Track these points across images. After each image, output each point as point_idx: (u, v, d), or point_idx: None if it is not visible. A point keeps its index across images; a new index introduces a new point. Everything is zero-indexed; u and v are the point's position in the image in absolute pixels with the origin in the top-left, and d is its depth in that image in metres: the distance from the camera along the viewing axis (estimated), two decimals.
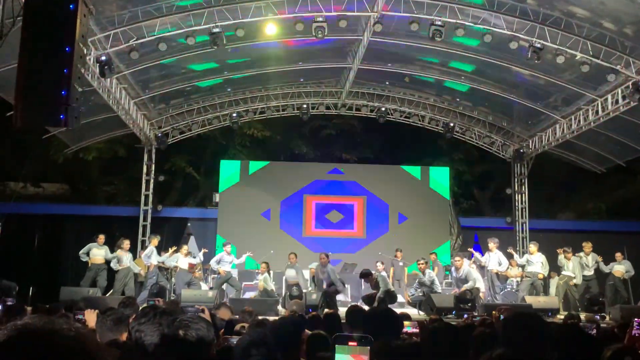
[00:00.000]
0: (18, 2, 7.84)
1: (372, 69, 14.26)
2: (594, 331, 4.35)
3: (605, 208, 21.39)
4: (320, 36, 10.95)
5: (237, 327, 4.55)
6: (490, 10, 10.71)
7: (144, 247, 14.28)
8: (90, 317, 4.21)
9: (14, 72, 7.34)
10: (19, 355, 1.11)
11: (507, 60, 12.40)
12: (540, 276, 12.80)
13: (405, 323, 4.25)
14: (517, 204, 16.80)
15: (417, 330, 4.48)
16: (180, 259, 12.82)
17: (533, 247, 13.05)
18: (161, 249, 13.61)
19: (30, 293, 13.37)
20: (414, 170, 17.55)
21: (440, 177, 17.34)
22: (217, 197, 16.90)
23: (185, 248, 13.17)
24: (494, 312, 5.44)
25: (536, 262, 12.75)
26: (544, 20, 10.73)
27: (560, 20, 10.67)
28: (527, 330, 2.81)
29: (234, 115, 15.85)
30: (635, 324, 3.95)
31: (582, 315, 9.59)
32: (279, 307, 11.55)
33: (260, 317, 5.43)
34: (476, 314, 10.05)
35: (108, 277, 12.67)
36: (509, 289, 12.93)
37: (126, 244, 12.89)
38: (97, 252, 12.60)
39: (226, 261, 13.13)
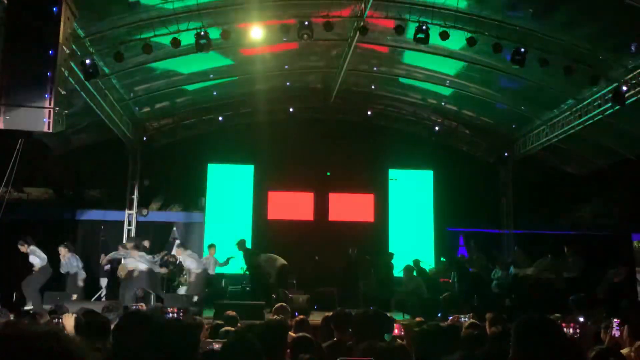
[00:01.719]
0: (1, 6, 7.77)
1: (359, 72, 14.29)
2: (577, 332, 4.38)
3: (590, 211, 21.53)
4: (306, 39, 10.96)
5: (222, 331, 4.54)
6: (475, 15, 10.77)
7: None
8: (69, 322, 4.11)
9: None
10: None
11: (491, 64, 12.47)
12: None
13: None
14: (502, 208, 16.88)
15: (402, 333, 4.50)
16: (132, 260, 12.27)
17: (518, 250, 13.13)
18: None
19: (14, 298, 13.19)
20: (399, 174, 17.58)
21: (424, 181, 17.41)
22: (203, 201, 16.82)
23: (130, 245, 12.55)
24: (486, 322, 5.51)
25: (521, 264, 12.84)
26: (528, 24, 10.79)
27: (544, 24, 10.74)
28: (541, 336, 2.73)
29: (220, 119, 15.79)
30: (614, 324, 3.98)
31: None
32: (266, 310, 11.48)
33: (246, 322, 5.41)
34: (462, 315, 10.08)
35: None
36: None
37: (60, 249, 12.67)
38: None
39: (211, 264, 13.08)
